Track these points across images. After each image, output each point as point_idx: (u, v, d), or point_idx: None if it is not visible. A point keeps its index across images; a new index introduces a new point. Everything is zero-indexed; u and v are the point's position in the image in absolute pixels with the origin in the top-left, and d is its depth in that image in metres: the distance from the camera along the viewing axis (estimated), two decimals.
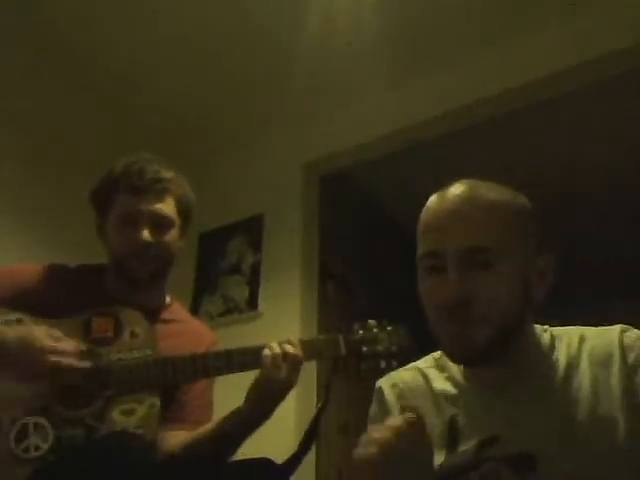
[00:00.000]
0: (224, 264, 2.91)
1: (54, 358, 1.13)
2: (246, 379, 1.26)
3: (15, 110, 2.44)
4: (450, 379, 0.97)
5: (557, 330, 0.95)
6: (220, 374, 1.27)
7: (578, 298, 3.85)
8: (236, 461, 1.25)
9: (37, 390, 1.14)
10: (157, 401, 1.21)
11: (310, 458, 2.28)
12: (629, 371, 0.83)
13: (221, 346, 1.44)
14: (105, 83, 2.68)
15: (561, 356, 0.90)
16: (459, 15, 2.39)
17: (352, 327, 1.33)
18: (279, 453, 1.22)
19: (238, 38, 2.48)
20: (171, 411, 1.31)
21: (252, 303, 2.73)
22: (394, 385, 1.04)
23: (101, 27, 2.45)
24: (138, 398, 1.19)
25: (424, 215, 0.94)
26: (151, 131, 2.85)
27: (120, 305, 1.30)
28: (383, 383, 1.07)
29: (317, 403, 1.40)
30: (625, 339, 0.86)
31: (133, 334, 1.25)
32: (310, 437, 1.26)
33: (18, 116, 2.45)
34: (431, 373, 1.00)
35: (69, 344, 1.16)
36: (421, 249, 0.92)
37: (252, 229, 2.89)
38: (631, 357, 0.84)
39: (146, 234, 1.31)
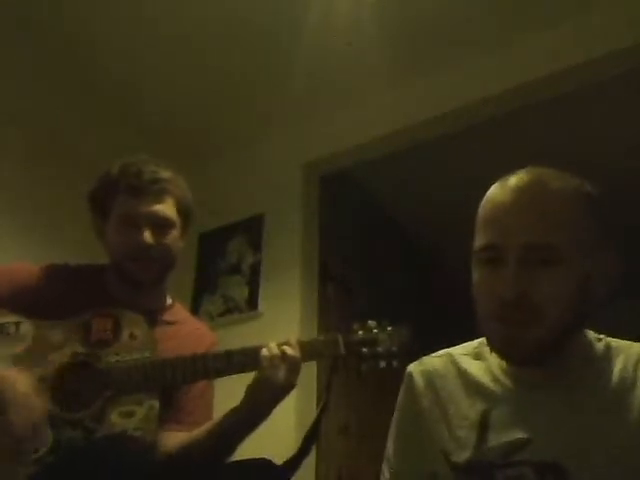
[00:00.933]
0: (224, 264, 2.91)
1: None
2: (247, 379, 1.26)
3: (15, 110, 2.44)
4: (488, 371, 0.93)
5: (615, 342, 0.90)
6: (220, 375, 1.27)
7: None
8: (235, 462, 1.24)
9: None
10: (156, 403, 1.21)
11: (310, 459, 2.27)
12: None
13: (221, 346, 1.44)
14: (105, 83, 2.68)
15: (615, 369, 0.85)
16: (459, 15, 2.39)
17: (352, 327, 1.33)
18: (279, 453, 1.22)
19: (238, 38, 2.48)
20: (170, 412, 1.31)
21: (252, 303, 2.73)
22: (424, 371, 0.99)
23: (101, 27, 2.45)
24: (137, 400, 1.19)
25: (485, 205, 0.89)
26: (151, 131, 2.85)
27: (120, 306, 1.29)
28: (413, 368, 1.02)
29: (317, 404, 1.40)
30: None
31: (132, 336, 1.25)
32: (311, 438, 1.26)
33: (18, 116, 2.45)
34: (465, 361, 0.96)
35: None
36: (479, 241, 0.88)
37: (252, 229, 2.89)
38: None
39: (147, 236, 1.31)
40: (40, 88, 2.57)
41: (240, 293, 2.79)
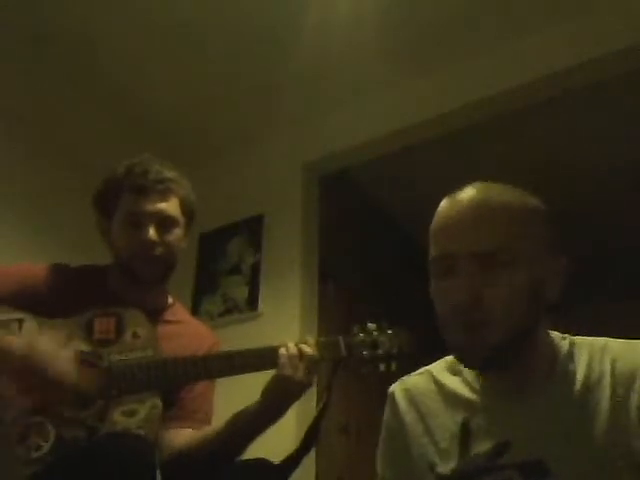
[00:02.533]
0: (224, 264, 2.91)
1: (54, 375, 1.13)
2: (247, 379, 1.26)
3: (14, 109, 2.44)
4: (464, 382, 0.96)
5: (579, 339, 0.93)
6: (222, 376, 1.27)
7: (580, 298, 3.84)
8: (234, 462, 1.25)
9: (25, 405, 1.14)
10: (159, 402, 1.22)
11: (310, 458, 2.28)
12: None
13: (221, 346, 1.44)
14: (105, 83, 2.68)
15: (580, 366, 0.89)
16: (459, 15, 2.39)
17: (352, 330, 1.33)
18: (279, 454, 1.22)
19: (238, 38, 2.48)
20: (173, 410, 1.31)
21: (252, 303, 2.73)
22: (406, 390, 1.03)
23: (102, 27, 2.45)
24: (140, 399, 1.19)
25: (436, 218, 0.94)
26: (151, 131, 2.85)
27: (123, 306, 1.30)
28: (395, 388, 1.06)
29: (317, 404, 1.40)
30: None
31: (135, 335, 1.25)
32: (310, 439, 1.26)
33: (17, 115, 2.45)
34: (444, 376, 1.00)
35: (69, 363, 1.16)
36: (432, 252, 0.92)
37: (252, 229, 2.89)
38: None
39: (152, 232, 1.31)
40: (40, 88, 2.57)
41: (240, 293, 2.79)
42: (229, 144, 3.04)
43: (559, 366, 0.90)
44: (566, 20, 2.37)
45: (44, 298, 1.28)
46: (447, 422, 0.93)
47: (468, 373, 0.97)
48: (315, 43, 2.46)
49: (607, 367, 0.87)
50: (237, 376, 1.26)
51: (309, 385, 1.23)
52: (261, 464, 1.19)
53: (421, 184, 3.28)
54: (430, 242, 0.93)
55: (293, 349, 1.23)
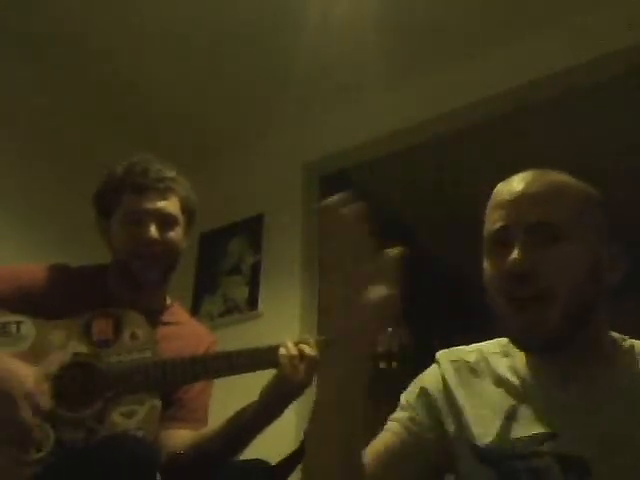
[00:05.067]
0: (224, 264, 2.91)
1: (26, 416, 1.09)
2: (246, 379, 1.26)
3: (14, 109, 2.44)
4: (513, 368, 0.93)
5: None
6: (220, 376, 1.27)
7: None
8: (232, 462, 1.25)
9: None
10: (158, 402, 1.22)
11: None
12: None
13: (221, 346, 1.44)
14: (105, 83, 2.68)
15: None
16: (459, 15, 2.39)
17: None
18: (279, 454, 1.22)
19: (238, 38, 2.48)
20: (171, 411, 1.31)
21: (252, 303, 2.73)
22: (453, 361, 0.99)
23: (103, 27, 2.45)
24: (139, 399, 1.19)
25: (492, 197, 0.93)
26: (151, 131, 2.85)
27: (121, 307, 1.30)
28: (442, 356, 1.01)
29: None
30: None
31: (133, 336, 1.25)
32: None
33: (18, 115, 2.46)
34: (495, 358, 0.96)
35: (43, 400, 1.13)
36: (487, 227, 0.91)
37: (252, 229, 2.89)
38: None
39: (153, 230, 1.32)
40: (40, 88, 2.57)
41: (240, 293, 2.79)
42: (229, 144, 3.04)
43: (617, 365, 0.87)
44: (566, 20, 2.37)
45: (42, 299, 1.28)
46: (493, 400, 0.90)
47: (518, 358, 0.93)
48: (315, 43, 2.46)
49: None
50: (236, 376, 1.26)
51: (309, 385, 1.23)
52: (258, 465, 1.19)
53: (421, 184, 3.28)
54: (486, 219, 0.92)
55: (293, 349, 1.22)
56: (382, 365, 1.29)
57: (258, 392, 1.25)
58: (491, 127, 2.75)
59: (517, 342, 0.89)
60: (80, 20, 2.42)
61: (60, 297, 1.30)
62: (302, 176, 2.90)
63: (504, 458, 0.84)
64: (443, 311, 3.54)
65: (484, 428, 0.88)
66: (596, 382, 0.86)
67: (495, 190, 0.93)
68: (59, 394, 1.17)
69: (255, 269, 2.80)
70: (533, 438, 0.84)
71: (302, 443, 1.26)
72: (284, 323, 2.57)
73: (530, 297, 0.83)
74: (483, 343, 1.00)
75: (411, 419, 0.95)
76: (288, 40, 2.46)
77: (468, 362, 0.97)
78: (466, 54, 2.55)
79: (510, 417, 0.87)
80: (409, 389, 1.01)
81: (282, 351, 1.22)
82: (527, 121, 2.81)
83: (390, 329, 1.32)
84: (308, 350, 1.23)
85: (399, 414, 0.98)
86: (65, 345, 1.22)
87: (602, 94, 2.61)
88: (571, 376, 0.87)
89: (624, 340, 0.91)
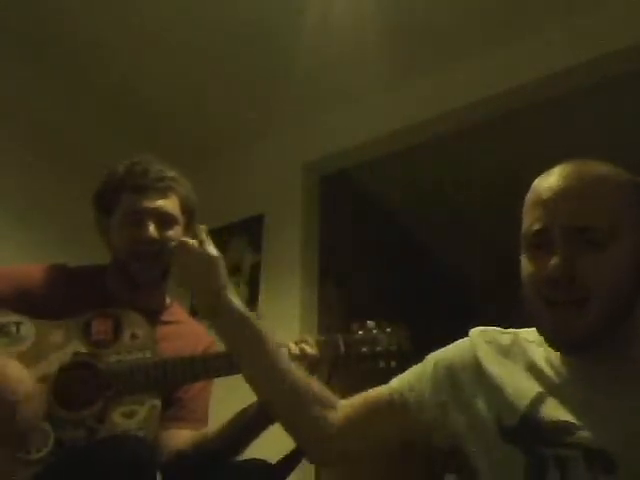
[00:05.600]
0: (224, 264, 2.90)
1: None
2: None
3: (14, 109, 2.44)
4: (548, 359, 0.92)
5: None
6: (219, 375, 1.27)
7: None
8: (231, 462, 1.25)
9: None
10: (158, 402, 1.22)
11: None
12: None
13: (220, 346, 1.44)
14: (105, 83, 2.68)
15: None
16: (459, 15, 2.39)
17: (351, 327, 1.33)
18: (279, 453, 1.22)
19: (238, 38, 2.48)
20: (171, 410, 1.31)
21: (252, 303, 2.73)
22: (487, 340, 0.98)
23: (102, 27, 2.45)
24: (139, 400, 1.20)
25: (532, 191, 0.91)
26: (151, 131, 2.85)
27: (121, 307, 1.30)
28: (477, 335, 1.00)
29: None
30: None
31: (133, 336, 1.25)
32: None
33: (18, 115, 2.46)
34: (530, 346, 0.95)
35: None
36: (527, 225, 0.89)
37: (252, 229, 2.89)
38: None
39: (152, 230, 1.32)
40: (40, 88, 2.57)
41: (240, 293, 2.79)
42: (229, 144, 3.04)
43: None
44: (566, 20, 2.37)
45: (42, 299, 1.28)
46: (524, 384, 0.89)
47: (554, 351, 0.92)
48: (315, 43, 2.46)
49: None
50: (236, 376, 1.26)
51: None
52: (259, 464, 1.20)
53: (421, 184, 3.28)
54: (525, 214, 0.90)
55: (295, 349, 1.23)
56: (381, 364, 1.29)
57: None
58: (491, 127, 2.75)
59: (548, 340, 0.88)
60: (80, 20, 2.41)
61: (59, 297, 1.30)
62: (302, 176, 2.90)
63: (533, 442, 0.84)
64: (443, 310, 3.54)
65: (513, 408, 0.88)
66: (627, 378, 0.85)
67: (534, 184, 0.91)
68: (59, 394, 1.17)
69: (255, 269, 2.80)
70: (560, 426, 0.83)
71: None
72: (284, 323, 2.57)
73: (568, 301, 0.83)
74: (520, 330, 0.99)
75: (411, 389, 0.99)
76: (288, 40, 2.46)
77: (502, 345, 0.97)
78: (466, 54, 2.55)
79: (538, 402, 0.86)
80: (431, 358, 1.02)
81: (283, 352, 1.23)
82: (527, 121, 2.81)
83: (389, 329, 1.32)
84: (309, 350, 1.23)
85: (405, 379, 1.01)
86: (65, 345, 1.22)
87: (602, 94, 2.61)
88: (601, 373, 0.86)
89: None
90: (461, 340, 1.02)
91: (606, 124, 2.88)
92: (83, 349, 1.22)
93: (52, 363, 1.20)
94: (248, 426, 1.26)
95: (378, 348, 1.30)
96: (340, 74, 2.64)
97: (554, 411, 0.85)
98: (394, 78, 2.67)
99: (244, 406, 1.28)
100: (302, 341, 1.25)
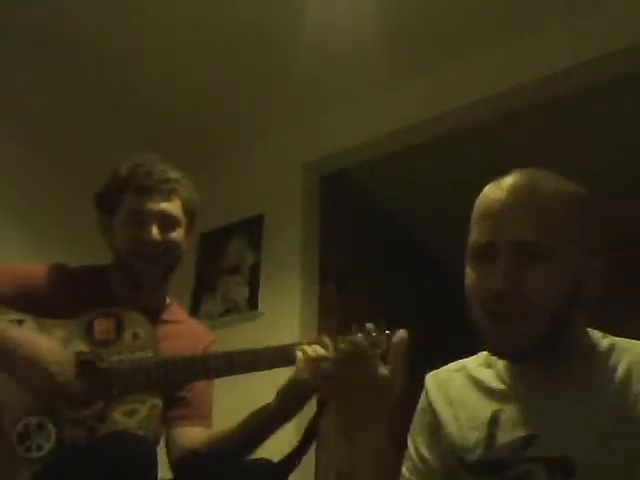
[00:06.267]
0: (224, 264, 2.91)
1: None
2: (248, 379, 1.26)
3: (14, 110, 2.44)
4: (498, 375, 0.95)
5: (621, 341, 0.91)
6: (220, 376, 1.28)
7: None
8: (239, 461, 1.25)
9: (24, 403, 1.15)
10: (159, 402, 1.22)
11: (310, 458, 2.28)
12: None
13: (220, 346, 1.45)
14: (105, 83, 2.68)
15: (620, 367, 0.86)
16: (459, 15, 2.39)
17: (350, 329, 1.33)
18: (279, 453, 1.22)
19: (238, 38, 2.48)
20: (177, 409, 1.33)
21: (252, 303, 2.73)
22: (439, 381, 1.02)
23: (102, 27, 2.45)
24: (140, 399, 1.20)
25: (479, 202, 0.92)
26: (151, 131, 2.85)
27: (123, 306, 1.30)
28: (430, 377, 1.04)
29: (317, 404, 1.40)
30: None
31: (135, 336, 1.26)
32: (309, 438, 1.27)
33: (18, 115, 2.46)
34: (479, 370, 0.98)
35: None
36: (473, 236, 0.91)
37: (252, 229, 2.89)
38: None
39: (155, 232, 1.32)
40: (40, 88, 2.57)
41: (240, 293, 2.79)
42: (229, 144, 3.04)
43: (596, 364, 0.88)
44: (566, 20, 2.37)
45: (43, 299, 1.29)
46: (477, 412, 0.92)
47: (501, 365, 0.95)
48: (315, 43, 2.46)
49: None
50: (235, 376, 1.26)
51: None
52: (260, 463, 1.20)
53: (421, 184, 3.28)
54: (472, 226, 0.92)
55: (310, 351, 1.23)
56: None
57: (256, 391, 1.25)
58: (491, 127, 2.75)
59: (492, 350, 0.91)
60: (80, 20, 2.41)
61: (61, 297, 1.30)
62: (302, 176, 2.90)
63: (492, 469, 0.86)
64: (443, 311, 3.54)
65: (471, 446, 0.90)
66: (575, 381, 0.87)
67: (484, 194, 0.93)
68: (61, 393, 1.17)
69: (255, 269, 2.80)
70: (517, 443, 0.85)
71: (302, 441, 1.27)
72: (284, 323, 2.57)
73: (511, 313, 0.84)
74: (467, 359, 1.03)
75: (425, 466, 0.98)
76: (288, 40, 2.46)
77: (453, 381, 1.00)
78: (466, 54, 2.55)
79: (494, 423, 0.89)
80: (414, 430, 1.03)
81: (299, 354, 1.23)
82: (527, 121, 2.81)
83: (388, 331, 1.32)
84: (324, 353, 1.24)
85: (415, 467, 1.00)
86: (66, 344, 1.23)
87: (602, 94, 2.61)
88: (552, 379, 0.89)
89: (605, 337, 0.92)
90: (422, 395, 1.05)
91: (606, 124, 2.88)
92: (85, 348, 1.23)
93: None
94: (263, 426, 1.27)
95: (377, 350, 1.30)
96: (340, 74, 2.64)
97: (511, 429, 0.87)
98: (394, 78, 2.67)
99: (240, 405, 1.29)
100: (317, 343, 1.25)
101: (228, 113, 2.86)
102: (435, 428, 0.98)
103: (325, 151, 2.89)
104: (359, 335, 1.31)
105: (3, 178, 2.35)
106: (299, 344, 1.25)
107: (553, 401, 0.87)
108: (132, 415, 1.18)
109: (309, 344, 1.25)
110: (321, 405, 1.29)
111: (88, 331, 1.24)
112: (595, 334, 0.93)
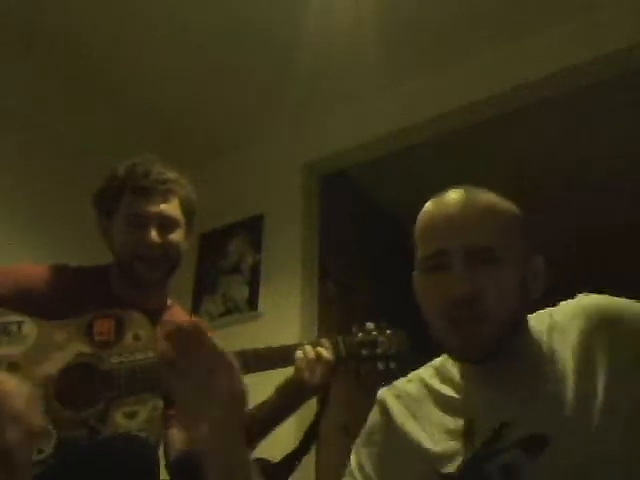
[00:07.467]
0: (224, 264, 2.91)
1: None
2: (248, 379, 1.26)
3: (14, 110, 2.44)
4: (452, 385, 0.97)
5: (557, 314, 0.94)
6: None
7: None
8: None
9: None
10: (160, 403, 1.22)
11: (310, 458, 2.28)
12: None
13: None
14: (105, 84, 2.68)
15: (568, 347, 0.89)
16: (459, 15, 2.39)
17: (351, 329, 1.33)
18: (279, 453, 1.23)
19: (238, 38, 2.48)
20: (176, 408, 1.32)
21: (252, 303, 2.73)
22: (399, 396, 1.03)
23: (102, 28, 2.45)
24: (141, 400, 1.20)
25: (423, 219, 0.96)
26: (151, 131, 2.85)
27: (123, 307, 1.30)
28: (386, 394, 1.05)
29: (317, 404, 1.40)
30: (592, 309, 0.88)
31: (136, 336, 1.26)
32: (310, 438, 1.27)
33: (17, 116, 2.45)
34: (435, 383, 1.00)
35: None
36: (423, 251, 0.94)
37: (252, 229, 2.89)
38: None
39: (155, 235, 1.32)
40: (40, 88, 2.57)
41: (240, 293, 2.79)
42: (229, 144, 3.04)
43: (544, 351, 0.91)
44: (566, 20, 2.37)
45: (44, 300, 1.29)
46: (446, 425, 0.93)
47: (453, 374, 0.97)
48: (315, 43, 2.46)
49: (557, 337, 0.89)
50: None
51: (323, 387, 1.24)
52: (260, 463, 1.20)
53: (421, 184, 3.27)
54: (418, 243, 0.96)
55: (310, 352, 1.23)
56: (380, 367, 1.29)
57: (256, 391, 1.26)
58: (491, 127, 2.75)
59: (455, 356, 0.94)
60: (80, 20, 2.41)
61: (61, 297, 1.30)
62: (302, 176, 2.90)
63: (475, 470, 0.87)
64: None
65: (448, 458, 0.90)
66: (529, 371, 0.90)
67: (424, 212, 0.97)
68: (61, 394, 1.17)
69: (255, 269, 2.80)
70: (489, 436, 0.86)
71: (302, 442, 1.27)
72: (284, 323, 2.57)
73: (472, 317, 0.87)
74: (420, 370, 1.04)
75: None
76: (288, 40, 2.46)
77: (410, 394, 1.01)
78: (466, 54, 2.55)
79: (469, 433, 0.90)
80: (360, 446, 1.03)
81: (299, 354, 1.23)
82: (527, 121, 2.81)
83: (389, 331, 1.32)
84: (325, 353, 1.24)
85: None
86: (67, 345, 1.22)
87: (602, 94, 2.61)
88: (503, 377, 0.91)
89: (541, 323, 0.94)
90: (372, 410, 1.06)
91: (606, 124, 2.88)
92: (85, 349, 1.22)
93: (54, 363, 1.20)
94: (262, 423, 1.27)
95: (378, 350, 1.30)
96: (340, 74, 2.65)
97: (485, 432, 0.88)
98: (394, 78, 2.67)
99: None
100: (318, 344, 1.26)
101: (228, 113, 2.86)
102: (386, 447, 0.98)
103: (325, 151, 2.89)
104: (359, 335, 1.32)
105: (3, 178, 2.35)
106: (300, 345, 1.25)
107: (515, 392, 0.89)
108: (133, 417, 1.18)
109: (311, 345, 1.25)
110: (322, 405, 1.29)
111: (88, 332, 1.24)
112: (533, 323, 0.95)
